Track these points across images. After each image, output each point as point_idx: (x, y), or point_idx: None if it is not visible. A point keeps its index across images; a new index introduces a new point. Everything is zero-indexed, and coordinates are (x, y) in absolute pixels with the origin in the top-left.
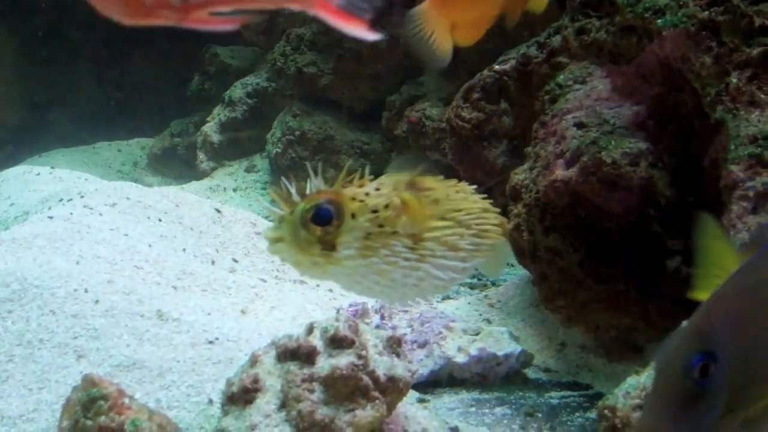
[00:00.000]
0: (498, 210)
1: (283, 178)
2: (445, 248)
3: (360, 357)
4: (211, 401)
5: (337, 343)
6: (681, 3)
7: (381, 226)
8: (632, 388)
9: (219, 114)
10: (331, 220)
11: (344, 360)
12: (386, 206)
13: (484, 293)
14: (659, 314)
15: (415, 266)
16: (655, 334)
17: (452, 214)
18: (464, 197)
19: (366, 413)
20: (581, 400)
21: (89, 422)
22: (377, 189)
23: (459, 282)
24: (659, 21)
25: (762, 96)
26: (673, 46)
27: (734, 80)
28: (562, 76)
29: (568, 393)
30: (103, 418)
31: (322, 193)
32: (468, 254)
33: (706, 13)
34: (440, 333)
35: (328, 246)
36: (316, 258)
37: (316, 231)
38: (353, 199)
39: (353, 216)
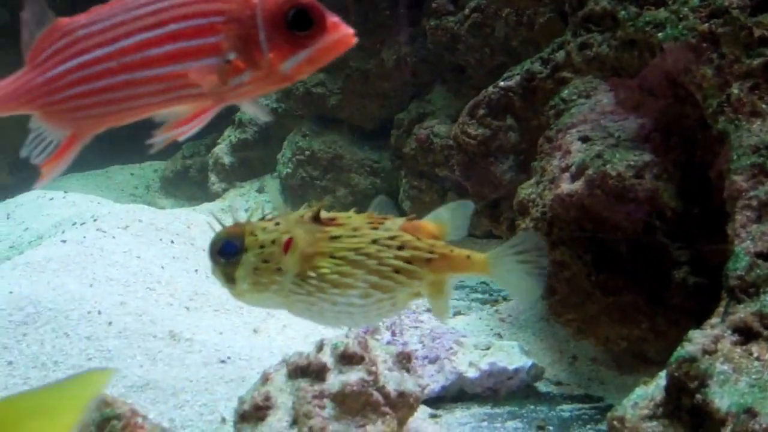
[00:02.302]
0: (433, 250)
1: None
2: (329, 285)
3: (370, 373)
4: (224, 420)
5: (347, 359)
6: (681, 16)
7: (266, 261)
8: (641, 398)
9: (230, 136)
10: (235, 254)
11: (354, 376)
12: (273, 242)
13: (494, 308)
14: (668, 325)
15: (309, 300)
16: (665, 345)
17: (344, 252)
18: (378, 234)
19: (377, 429)
20: (593, 412)
21: None
22: (277, 224)
23: (382, 316)
24: (660, 34)
25: (763, 106)
26: (675, 58)
27: (735, 91)
28: (566, 91)
29: (580, 406)
30: None
31: (234, 226)
32: (366, 291)
33: (706, 25)
34: (451, 348)
35: (230, 278)
36: (226, 287)
37: (221, 262)
38: (251, 233)
39: (246, 250)
